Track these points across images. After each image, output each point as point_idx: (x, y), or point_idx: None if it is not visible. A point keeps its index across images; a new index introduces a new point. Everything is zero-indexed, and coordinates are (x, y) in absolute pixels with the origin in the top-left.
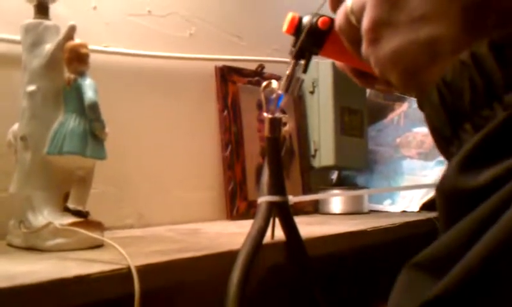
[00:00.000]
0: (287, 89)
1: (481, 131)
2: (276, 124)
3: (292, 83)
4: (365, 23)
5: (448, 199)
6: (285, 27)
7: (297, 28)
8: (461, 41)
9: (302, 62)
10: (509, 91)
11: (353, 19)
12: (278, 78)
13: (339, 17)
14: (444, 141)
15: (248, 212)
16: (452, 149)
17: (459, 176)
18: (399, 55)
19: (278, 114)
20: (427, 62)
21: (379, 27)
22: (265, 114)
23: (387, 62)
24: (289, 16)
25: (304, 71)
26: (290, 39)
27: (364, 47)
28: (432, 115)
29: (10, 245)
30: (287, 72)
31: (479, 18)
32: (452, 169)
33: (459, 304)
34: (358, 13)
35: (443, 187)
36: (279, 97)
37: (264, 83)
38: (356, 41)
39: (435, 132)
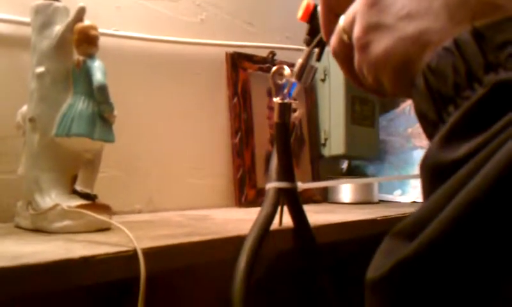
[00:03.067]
0: (300, 78)
1: (460, 108)
2: (285, 109)
3: (306, 71)
4: (356, 32)
5: (430, 173)
6: (299, 14)
7: (312, 15)
8: (446, 31)
9: (316, 50)
10: (488, 72)
11: (345, 37)
12: (289, 66)
13: (333, 41)
14: (430, 126)
15: (256, 199)
16: (436, 131)
17: (440, 152)
18: (389, 53)
19: (287, 100)
20: (416, 54)
21: (369, 32)
22: (274, 99)
23: (379, 63)
24: (304, 3)
25: (318, 59)
26: (302, 26)
27: (356, 57)
28: (419, 101)
29: (18, 226)
30: (300, 60)
31: (461, 11)
32: (434, 145)
33: (428, 262)
34: (349, 28)
35: (425, 162)
36: (292, 85)
37: (274, 68)
38: (350, 59)
39: (422, 117)
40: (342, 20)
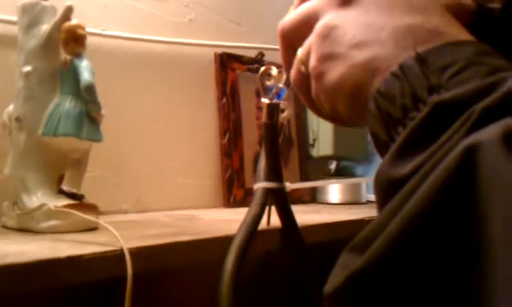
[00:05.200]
0: (289, 84)
1: (408, 127)
2: (274, 109)
3: None
4: (312, 62)
5: (382, 189)
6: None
7: None
8: (393, 58)
9: None
10: (432, 93)
11: (303, 68)
12: (277, 66)
13: (292, 73)
14: (382, 146)
15: (244, 200)
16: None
17: (390, 168)
18: (342, 80)
19: (276, 100)
20: (367, 80)
21: (324, 62)
22: (263, 100)
23: (334, 90)
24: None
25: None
26: None
27: (313, 86)
28: (372, 123)
29: (4, 226)
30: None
31: (406, 38)
32: (384, 162)
33: (376, 274)
34: (306, 59)
35: (377, 178)
36: (280, 90)
37: (262, 68)
38: (309, 89)
39: (375, 138)
40: (299, 53)
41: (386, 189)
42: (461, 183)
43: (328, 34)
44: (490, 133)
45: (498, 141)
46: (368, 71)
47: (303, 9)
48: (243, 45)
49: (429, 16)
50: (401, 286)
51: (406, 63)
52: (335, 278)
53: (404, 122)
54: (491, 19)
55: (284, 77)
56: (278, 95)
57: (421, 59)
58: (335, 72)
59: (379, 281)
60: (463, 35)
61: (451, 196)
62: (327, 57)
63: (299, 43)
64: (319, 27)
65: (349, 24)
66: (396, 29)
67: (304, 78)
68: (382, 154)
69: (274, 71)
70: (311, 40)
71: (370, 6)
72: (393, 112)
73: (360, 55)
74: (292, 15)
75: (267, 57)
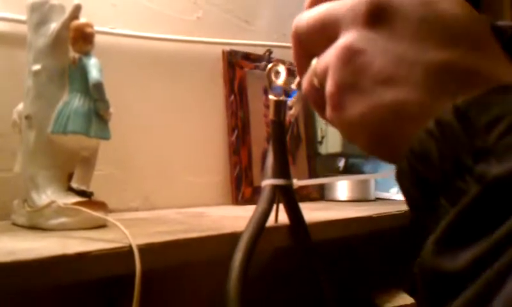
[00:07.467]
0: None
1: (455, 207)
2: (281, 107)
3: None
4: (329, 87)
5: (427, 278)
6: None
7: None
8: (427, 105)
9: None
10: (478, 160)
11: (316, 81)
12: (285, 64)
13: (305, 82)
14: (417, 208)
15: (253, 197)
16: (428, 221)
17: (437, 257)
18: (365, 120)
19: (283, 97)
20: (395, 128)
21: (343, 92)
22: (270, 96)
23: (353, 127)
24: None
25: None
26: None
27: (328, 112)
28: (404, 183)
29: (15, 224)
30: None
31: (442, 81)
32: (429, 248)
33: None
34: (321, 76)
35: (421, 265)
36: (292, 92)
37: (270, 65)
38: (321, 106)
39: (408, 198)
40: (314, 63)
41: (434, 283)
42: None
43: (350, 60)
44: None
45: None
46: (396, 116)
47: (321, 12)
48: (251, 42)
49: (471, 47)
50: None
51: (443, 119)
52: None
53: (447, 193)
54: (504, 40)
55: (297, 80)
56: (286, 93)
57: (461, 114)
58: (356, 108)
59: None
60: (510, 72)
61: None
62: (348, 88)
63: (314, 50)
64: (339, 47)
65: (375, 52)
66: (430, 68)
67: (317, 91)
68: (416, 212)
69: (281, 68)
70: (329, 59)
71: (403, 31)
72: (432, 178)
73: (388, 96)
74: (308, 15)
75: (275, 54)
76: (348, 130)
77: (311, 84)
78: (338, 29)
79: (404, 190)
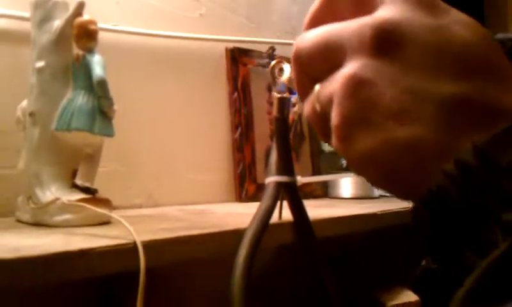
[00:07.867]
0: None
1: (484, 261)
2: (284, 104)
3: None
4: (334, 119)
5: None
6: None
7: None
8: (443, 144)
9: None
10: (505, 208)
11: (318, 107)
12: (289, 61)
13: (307, 106)
14: (440, 259)
15: (256, 194)
16: (451, 270)
17: None
18: (375, 155)
19: (287, 95)
20: (409, 167)
21: (350, 125)
22: (273, 94)
23: (362, 162)
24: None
25: None
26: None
27: (334, 142)
28: (421, 225)
29: (19, 221)
30: None
31: (459, 117)
32: (458, 303)
33: None
34: (325, 104)
35: None
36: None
37: (273, 62)
38: (326, 133)
39: (429, 246)
40: (317, 89)
41: None
42: None
43: (356, 91)
44: None
45: None
46: (409, 153)
47: (324, 34)
48: (254, 39)
49: (486, 79)
50: None
51: (463, 160)
52: None
53: (473, 243)
54: (505, 53)
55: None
56: (290, 90)
57: (481, 154)
58: (365, 142)
59: None
60: None
61: None
62: (355, 121)
63: (316, 73)
64: (345, 76)
65: (384, 83)
66: (445, 102)
67: (319, 116)
68: (435, 257)
69: (285, 65)
70: (334, 88)
71: (413, 59)
72: (454, 224)
73: (400, 132)
74: (311, 37)
75: (278, 51)
76: (355, 163)
77: (313, 110)
78: (342, 54)
79: (419, 229)
